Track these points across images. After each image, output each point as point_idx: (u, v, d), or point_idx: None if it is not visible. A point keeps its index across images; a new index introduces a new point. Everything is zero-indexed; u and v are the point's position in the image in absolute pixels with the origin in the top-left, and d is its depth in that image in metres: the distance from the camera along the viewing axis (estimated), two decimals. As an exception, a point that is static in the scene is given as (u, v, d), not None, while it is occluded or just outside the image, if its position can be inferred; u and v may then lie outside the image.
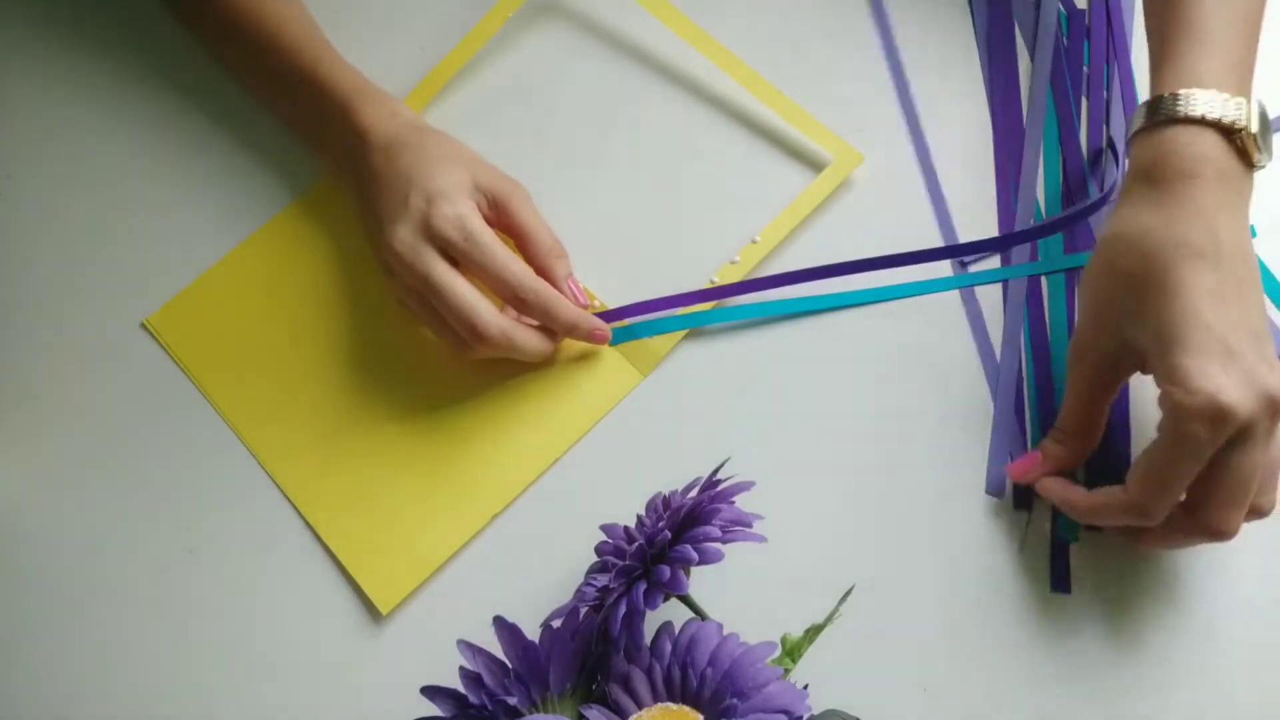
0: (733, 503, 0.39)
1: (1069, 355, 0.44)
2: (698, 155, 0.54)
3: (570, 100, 0.56)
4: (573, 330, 0.49)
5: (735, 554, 0.39)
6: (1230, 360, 0.38)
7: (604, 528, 0.42)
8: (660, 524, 0.39)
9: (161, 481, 0.50)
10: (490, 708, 0.37)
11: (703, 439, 0.49)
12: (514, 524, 0.48)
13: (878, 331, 0.51)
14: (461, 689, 0.38)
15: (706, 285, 0.51)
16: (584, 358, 0.51)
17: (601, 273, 0.52)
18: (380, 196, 0.48)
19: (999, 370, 0.49)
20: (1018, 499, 0.47)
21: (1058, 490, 0.44)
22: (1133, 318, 0.40)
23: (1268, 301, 0.44)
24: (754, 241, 0.52)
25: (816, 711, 0.39)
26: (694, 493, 0.40)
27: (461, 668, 0.38)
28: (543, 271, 0.48)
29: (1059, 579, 0.46)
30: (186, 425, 0.51)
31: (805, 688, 0.37)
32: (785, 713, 0.35)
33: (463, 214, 0.46)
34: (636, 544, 0.39)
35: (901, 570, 0.46)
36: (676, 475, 0.44)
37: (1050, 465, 0.45)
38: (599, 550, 0.42)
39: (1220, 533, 0.39)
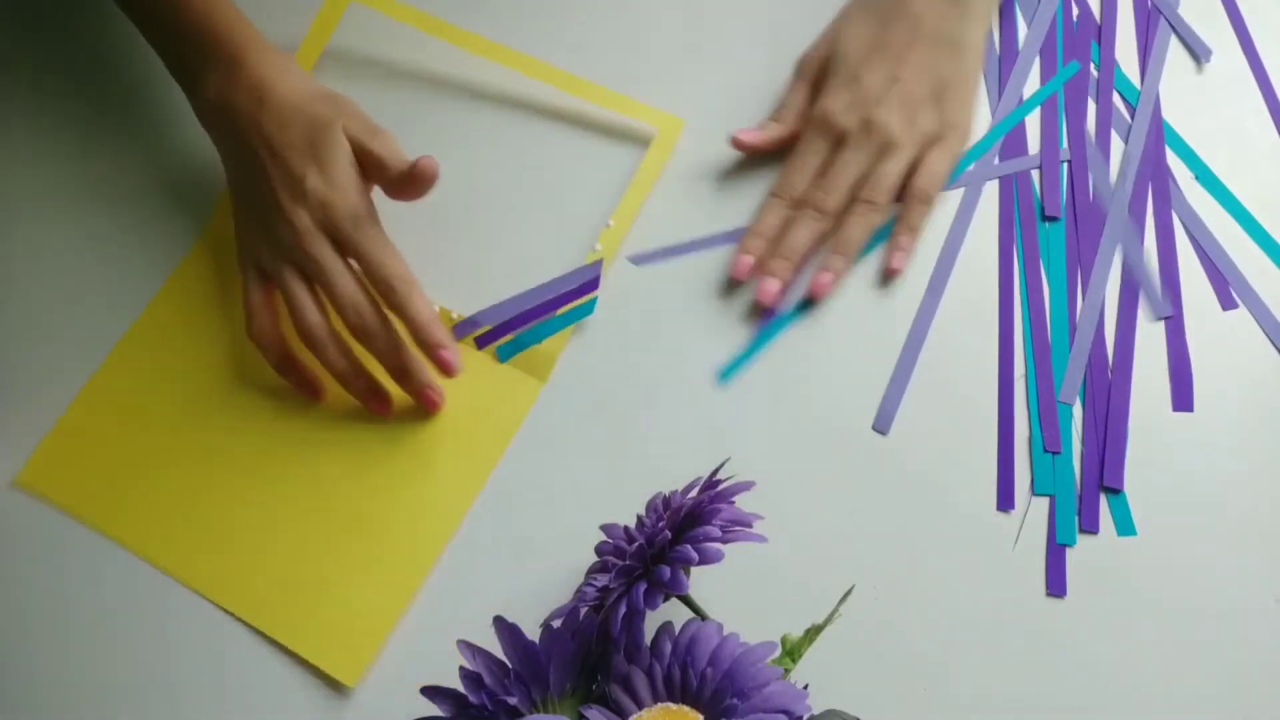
0: (733, 503, 0.39)
1: (800, 64, 0.55)
2: (531, 159, 0.55)
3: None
4: (425, 329, 0.48)
5: (735, 554, 0.39)
6: (840, 93, 0.52)
7: (604, 528, 0.42)
8: (660, 524, 0.39)
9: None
10: (490, 708, 0.37)
11: (703, 439, 0.49)
12: (513, 524, 0.48)
13: (878, 331, 0.51)
14: (461, 689, 0.38)
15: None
16: (477, 384, 0.50)
17: (456, 288, 0.52)
18: (271, 167, 0.48)
19: (998, 372, 0.49)
20: (1003, 498, 0.47)
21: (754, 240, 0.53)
22: (842, 41, 0.54)
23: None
24: (609, 225, 0.52)
25: (816, 711, 0.39)
26: (694, 493, 0.40)
27: (461, 668, 0.38)
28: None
29: (1055, 582, 0.46)
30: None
31: (805, 688, 0.37)
32: (785, 713, 0.35)
33: (359, 206, 0.47)
34: (636, 544, 0.39)
35: (901, 571, 0.46)
36: (676, 475, 0.44)
37: (775, 139, 0.54)
38: (599, 550, 0.42)
39: (816, 203, 0.51)
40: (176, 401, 0.51)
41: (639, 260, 0.52)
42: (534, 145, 0.55)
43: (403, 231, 0.50)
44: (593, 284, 0.51)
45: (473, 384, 0.50)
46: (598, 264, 0.51)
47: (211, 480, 0.50)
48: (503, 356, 0.51)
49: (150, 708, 0.46)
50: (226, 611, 0.47)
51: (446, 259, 0.53)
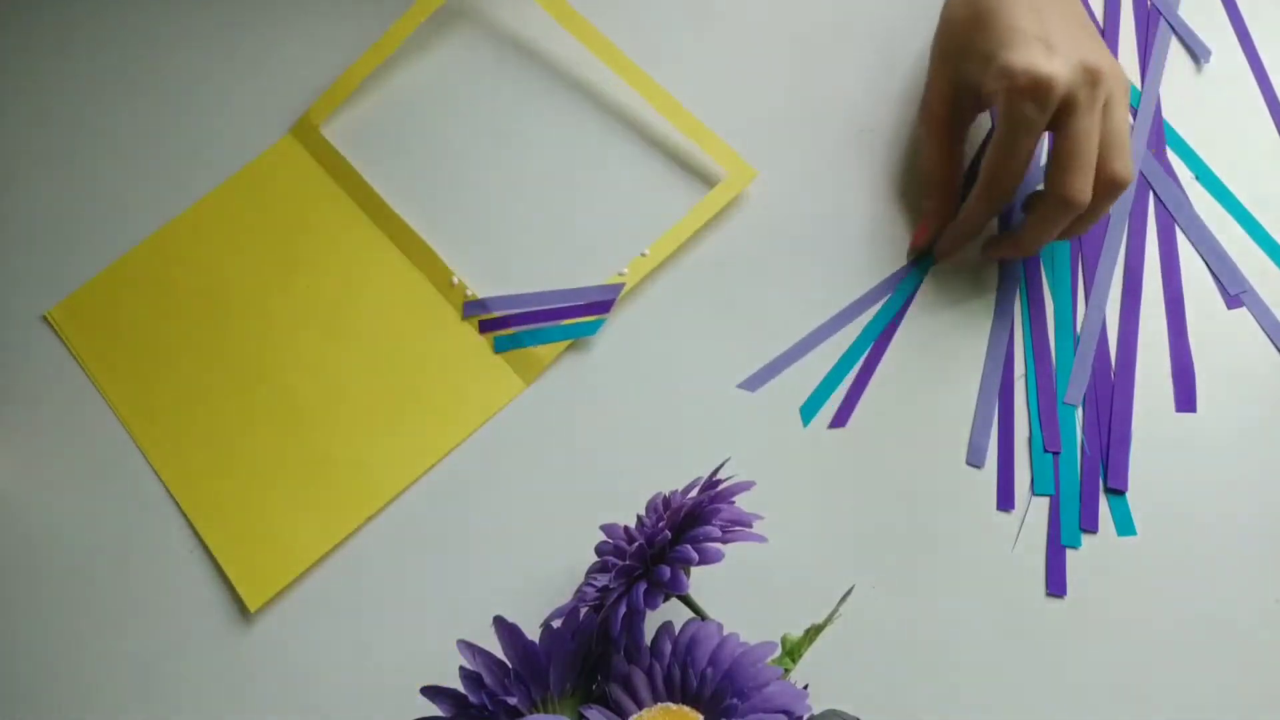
0: (733, 503, 0.39)
1: (920, 118, 0.49)
2: (597, 163, 0.54)
3: (472, 101, 0.56)
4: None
5: (735, 554, 0.39)
6: (1050, 49, 0.42)
7: (604, 528, 0.43)
8: (660, 524, 0.39)
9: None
10: (490, 708, 0.37)
11: (703, 439, 0.49)
12: (513, 524, 0.48)
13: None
14: (461, 689, 0.38)
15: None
16: (467, 366, 0.51)
17: (481, 266, 0.53)
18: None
19: (993, 370, 0.49)
20: (1003, 498, 0.47)
21: (948, 237, 0.49)
22: (965, 54, 0.45)
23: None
24: (643, 255, 0.52)
25: (816, 711, 0.39)
26: (694, 492, 0.40)
27: (461, 668, 0.38)
28: None
29: (1055, 582, 0.46)
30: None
31: (805, 688, 0.37)
32: (785, 713, 0.35)
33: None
34: (636, 544, 0.39)
35: (901, 571, 0.46)
36: (677, 475, 0.44)
37: (934, 220, 0.49)
38: (599, 550, 0.42)
39: (1069, 199, 0.43)
40: (205, 292, 0.54)
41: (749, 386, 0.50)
42: (607, 148, 0.55)
43: (444, 197, 0.51)
44: (604, 306, 0.51)
45: (463, 365, 0.51)
46: (617, 288, 0.51)
47: (206, 377, 0.52)
48: (498, 347, 0.51)
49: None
50: (173, 500, 0.50)
51: (479, 233, 0.53)
